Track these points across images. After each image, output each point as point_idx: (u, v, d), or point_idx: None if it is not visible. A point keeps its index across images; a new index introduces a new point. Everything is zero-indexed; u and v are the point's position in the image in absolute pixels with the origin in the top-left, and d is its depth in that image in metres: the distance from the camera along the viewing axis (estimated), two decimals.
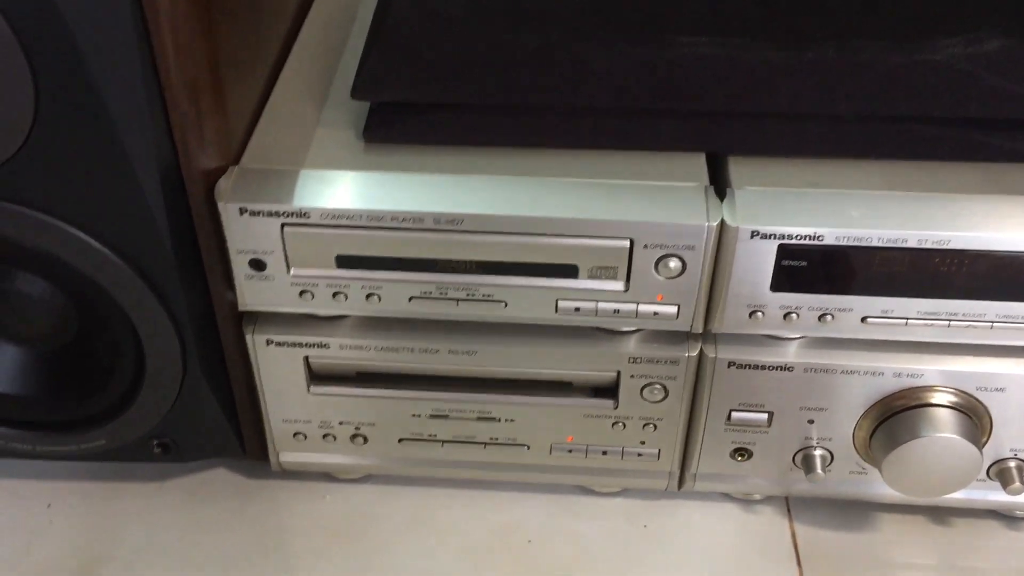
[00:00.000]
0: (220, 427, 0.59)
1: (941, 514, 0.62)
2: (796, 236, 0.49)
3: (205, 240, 0.51)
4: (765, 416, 0.56)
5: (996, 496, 0.59)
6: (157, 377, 0.55)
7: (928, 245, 0.48)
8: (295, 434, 0.60)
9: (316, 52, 0.62)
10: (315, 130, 0.54)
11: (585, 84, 0.51)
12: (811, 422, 0.56)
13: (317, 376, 0.58)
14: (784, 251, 0.49)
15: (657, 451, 0.59)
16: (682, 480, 0.61)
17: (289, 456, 0.62)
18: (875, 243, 0.48)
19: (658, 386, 0.56)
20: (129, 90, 0.45)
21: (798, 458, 0.58)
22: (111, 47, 0.44)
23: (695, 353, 0.54)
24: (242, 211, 0.50)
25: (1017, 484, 0.56)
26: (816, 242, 0.49)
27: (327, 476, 0.64)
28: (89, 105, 0.45)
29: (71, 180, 0.48)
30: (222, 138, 0.51)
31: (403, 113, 0.53)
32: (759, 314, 0.52)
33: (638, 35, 0.51)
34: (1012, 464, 0.56)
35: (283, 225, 0.50)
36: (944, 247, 0.48)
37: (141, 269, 0.51)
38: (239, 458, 0.63)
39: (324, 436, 0.60)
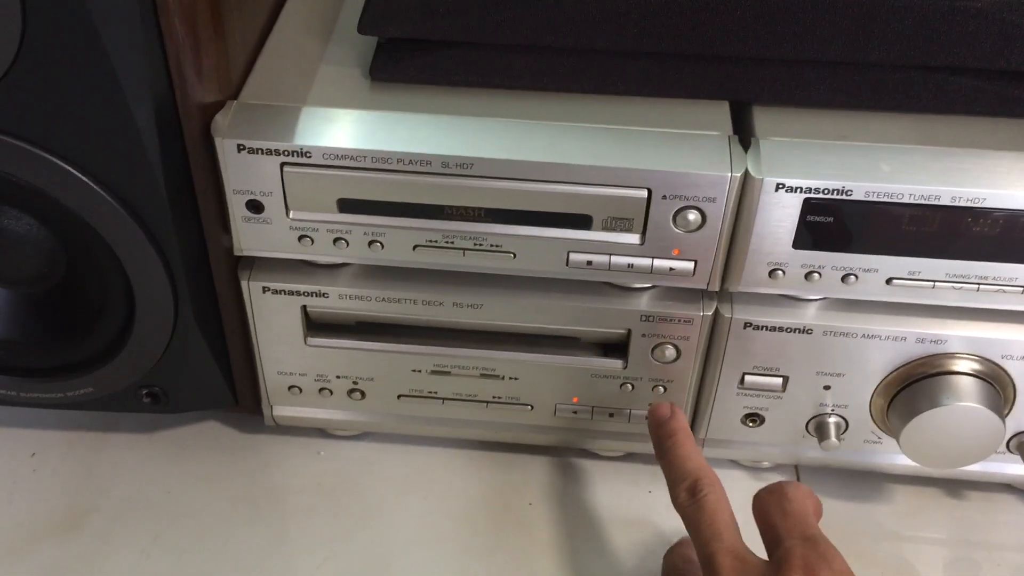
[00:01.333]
0: (212, 378, 0.57)
1: (955, 487, 0.60)
2: (823, 190, 0.46)
3: (200, 178, 0.49)
4: (780, 380, 0.54)
5: (1014, 469, 0.57)
6: (147, 323, 0.53)
7: (962, 203, 0.46)
8: (290, 387, 0.58)
9: None
10: (319, 66, 0.52)
11: (605, 25, 0.48)
12: (827, 388, 0.54)
13: (315, 326, 0.55)
14: (809, 205, 0.47)
15: None
16: None
17: (283, 410, 0.59)
18: (906, 200, 0.46)
19: (670, 346, 0.53)
20: (123, 14, 0.42)
21: (811, 425, 0.56)
22: None
23: (710, 312, 0.52)
24: (240, 148, 0.47)
25: None
26: (844, 197, 0.46)
27: (321, 432, 0.62)
28: (80, 28, 0.42)
29: (59, 110, 0.45)
30: (221, 71, 0.48)
31: (412, 50, 0.50)
32: (780, 272, 0.49)
33: None
34: None
35: (283, 164, 0.47)
36: (979, 205, 0.46)
37: (132, 207, 0.48)
38: (231, 411, 0.61)
39: (320, 390, 0.58)
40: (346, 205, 0.49)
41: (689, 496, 0.47)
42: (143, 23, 0.43)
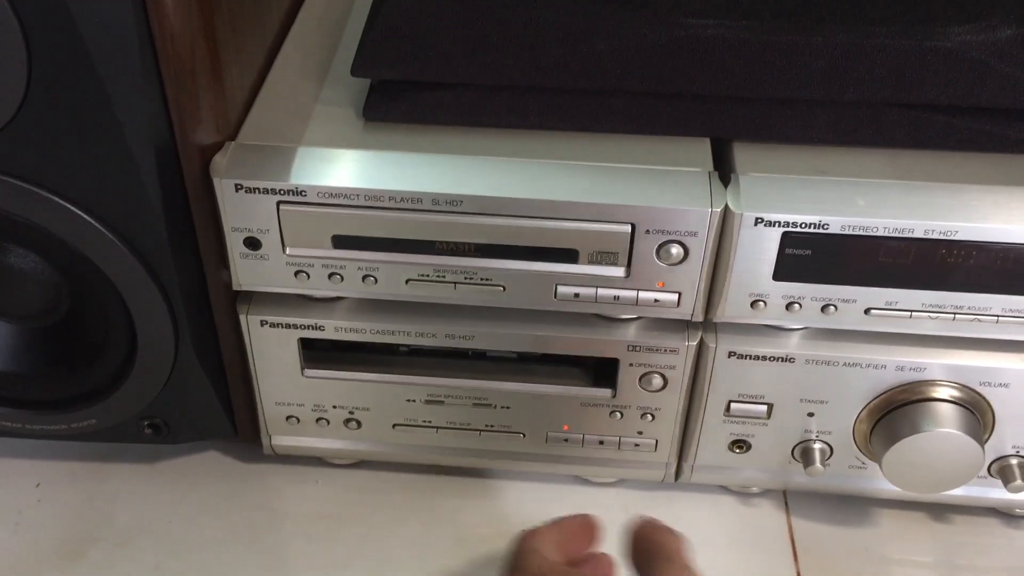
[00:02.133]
0: (212, 409, 0.59)
1: (940, 511, 0.61)
2: (801, 224, 0.48)
3: (200, 217, 0.51)
4: (765, 408, 0.55)
5: (996, 494, 0.58)
6: (148, 356, 0.55)
7: (935, 236, 0.47)
8: (288, 417, 0.59)
9: (317, 28, 0.61)
10: (314, 107, 0.54)
11: (589, 65, 0.50)
12: (811, 415, 0.55)
13: (311, 359, 0.57)
14: (788, 239, 0.48)
15: (655, 442, 0.58)
16: (679, 471, 0.60)
17: (282, 440, 0.61)
18: (881, 233, 0.48)
19: (657, 375, 0.55)
20: (125, 61, 0.44)
21: (797, 451, 0.57)
22: (107, 16, 0.43)
23: (695, 342, 0.54)
24: (238, 187, 0.49)
25: (1018, 482, 0.55)
26: (821, 230, 0.48)
27: (319, 461, 0.63)
28: (83, 75, 0.44)
29: (64, 153, 0.47)
30: (219, 113, 0.50)
31: (404, 91, 0.52)
32: (761, 303, 0.51)
33: (644, 15, 0.50)
34: (1014, 461, 0.56)
35: (279, 203, 0.49)
36: (951, 238, 0.47)
37: (134, 245, 0.50)
38: (231, 440, 0.62)
39: (317, 420, 0.59)
40: (340, 241, 0.50)
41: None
42: (144, 70, 0.45)
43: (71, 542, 0.59)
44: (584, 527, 0.48)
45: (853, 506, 0.62)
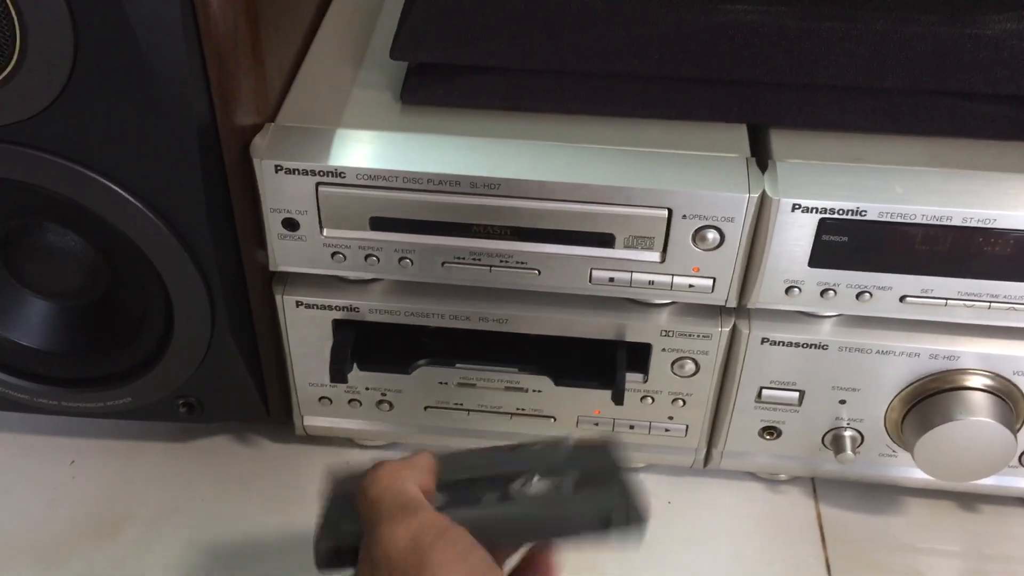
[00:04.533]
0: (246, 388, 0.59)
1: (969, 500, 0.61)
2: (838, 211, 0.48)
3: (238, 197, 0.51)
4: (796, 395, 0.56)
5: None
6: (185, 335, 0.55)
7: (973, 224, 0.47)
8: (320, 398, 0.60)
9: (354, 11, 0.61)
10: (352, 90, 0.54)
11: (628, 50, 0.50)
12: (843, 402, 0.55)
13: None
14: (825, 225, 0.48)
15: (685, 427, 0.58)
16: (708, 457, 0.60)
17: (314, 420, 0.61)
18: (919, 220, 0.48)
19: (689, 360, 0.55)
20: (169, 42, 0.45)
21: (828, 438, 0.57)
22: None
23: (728, 328, 0.54)
24: (277, 169, 0.49)
25: None
26: (858, 217, 0.48)
27: (350, 442, 0.64)
28: (128, 57, 0.44)
29: (107, 132, 0.47)
30: (259, 95, 0.50)
31: (441, 75, 0.52)
32: (796, 290, 0.51)
33: (683, 1, 0.50)
34: None
35: (318, 184, 0.49)
36: (989, 226, 0.47)
37: (173, 224, 0.50)
38: (263, 420, 0.62)
39: (350, 401, 0.60)
40: (378, 223, 0.51)
41: None
42: (187, 50, 0.45)
43: (105, 518, 0.60)
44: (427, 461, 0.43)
45: (881, 494, 0.62)
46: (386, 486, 0.40)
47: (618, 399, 0.55)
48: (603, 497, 0.41)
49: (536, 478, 0.42)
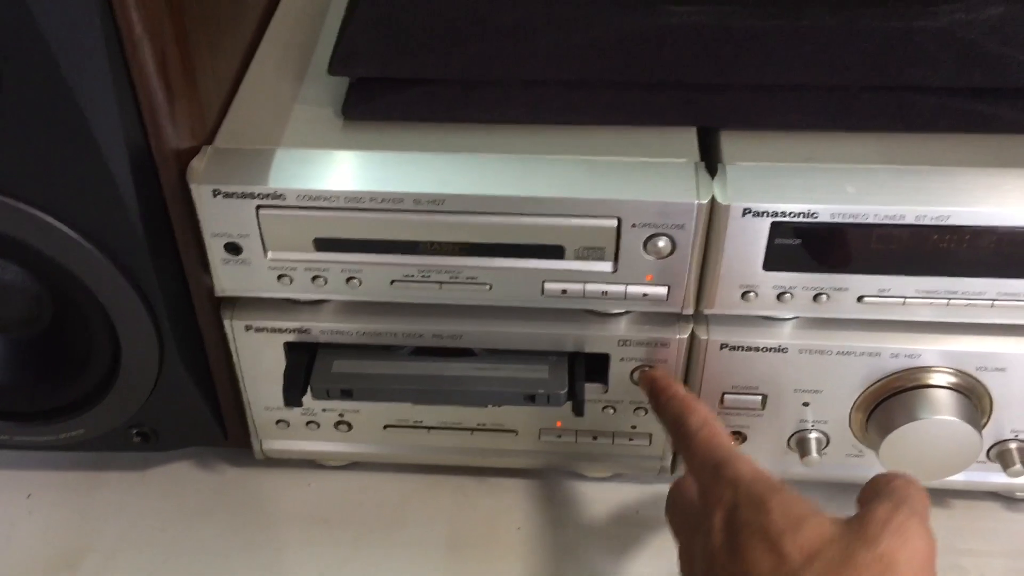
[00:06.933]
0: (201, 415, 0.58)
1: (940, 496, 0.61)
2: (790, 213, 0.47)
3: (178, 223, 0.50)
4: (759, 399, 0.55)
5: (996, 478, 0.57)
6: (134, 364, 0.54)
7: (927, 221, 0.47)
8: (278, 421, 0.59)
9: (294, 27, 0.60)
10: (292, 107, 0.53)
11: (571, 56, 0.49)
12: (806, 404, 0.55)
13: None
14: (777, 229, 0.47)
15: (648, 436, 0.58)
16: (674, 465, 0.59)
17: (273, 444, 0.60)
18: (872, 220, 0.47)
19: (649, 369, 0.54)
20: (94, 68, 0.43)
21: (793, 441, 0.57)
22: (73, 23, 0.42)
23: (686, 335, 0.53)
24: (215, 193, 0.48)
25: (1018, 466, 0.55)
26: (810, 219, 0.47)
27: (312, 463, 0.63)
28: (52, 87, 0.43)
29: (37, 162, 0.46)
30: (194, 117, 0.49)
31: (382, 89, 0.51)
32: (752, 294, 0.50)
33: (626, 5, 0.49)
34: (1013, 446, 0.55)
35: (258, 207, 0.48)
36: (943, 223, 0.47)
37: (112, 254, 0.49)
38: (221, 446, 0.61)
39: (307, 423, 0.58)
40: (322, 244, 0.50)
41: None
42: (114, 76, 0.44)
43: (64, 553, 0.59)
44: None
45: (852, 494, 0.61)
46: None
47: (578, 410, 0.54)
48: None
49: None
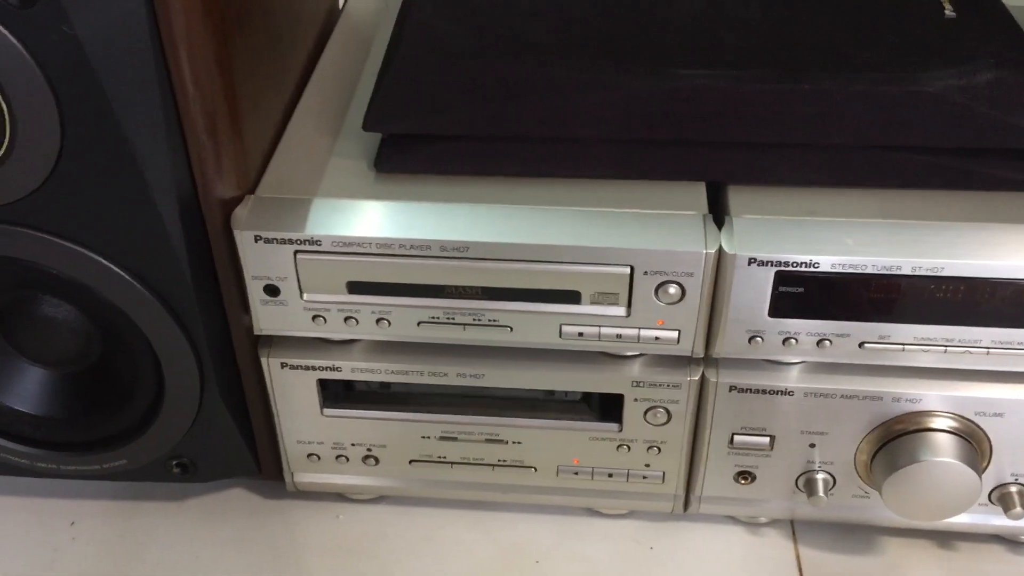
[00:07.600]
0: (237, 448, 0.61)
1: (945, 538, 0.63)
2: (792, 263, 0.50)
3: (222, 267, 0.53)
4: (767, 440, 0.57)
5: (999, 520, 0.59)
6: (176, 399, 0.57)
7: (922, 272, 0.49)
8: (309, 455, 0.62)
9: (332, 84, 0.64)
10: (329, 160, 0.57)
11: (587, 115, 0.53)
12: (812, 446, 0.57)
13: (330, 399, 0.59)
14: (781, 278, 0.50)
15: (662, 474, 0.60)
16: (687, 503, 0.62)
17: (304, 476, 0.63)
18: (870, 270, 0.50)
19: (661, 409, 0.57)
20: (149, 123, 0.47)
21: (801, 481, 0.59)
22: (132, 82, 0.46)
23: (697, 377, 0.56)
24: (257, 238, 0.52)
25: (1018, 509, 0.57)
26: (812, 269, 0.50)
27: (340, 496, 0.66)
28: (111, 138, 0.47)
29: (95, 210, 0.50)
30: (239, 168, 0.53)
31: (412, 144, 0.55)
32: (758, 339, 0.53)
33: (638, 68, 0.53)
34: (1013, 489, 0.57)
35: (296, 252, 0.52)
36: (938, 274, 0.49)
37: (161, 295, 0.53)
38: (255, 478, 0.64)
39: (337, 457, 0.62)
40: (355, 287, 0.53)
41: None
42: (168, 131, 0.48)
43: None
44: None
45: (859, 534, 0.63)
46: None
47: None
48: None
49: None
